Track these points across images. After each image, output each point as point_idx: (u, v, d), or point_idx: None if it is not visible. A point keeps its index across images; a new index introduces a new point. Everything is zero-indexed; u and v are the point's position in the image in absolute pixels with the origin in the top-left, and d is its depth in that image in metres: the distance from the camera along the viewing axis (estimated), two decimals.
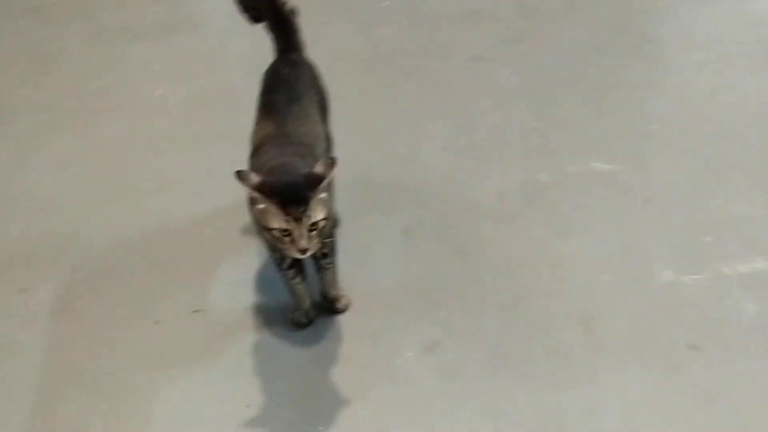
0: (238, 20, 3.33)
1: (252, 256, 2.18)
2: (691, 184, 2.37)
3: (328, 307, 2.03)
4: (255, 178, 1.62)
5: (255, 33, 3.27)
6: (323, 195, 1.65)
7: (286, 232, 1.63)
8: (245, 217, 1.80)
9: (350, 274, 2.08)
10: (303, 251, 1.64)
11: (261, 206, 1.64)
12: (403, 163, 2.52)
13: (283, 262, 1.89)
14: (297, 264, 1.91)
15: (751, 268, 2.08)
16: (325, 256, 1.93)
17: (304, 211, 1.61)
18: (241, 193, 1.68)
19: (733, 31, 3.10)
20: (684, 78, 2.89)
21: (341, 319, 2.02)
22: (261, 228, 1.69)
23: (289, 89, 1.97)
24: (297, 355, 1.94)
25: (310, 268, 1.97)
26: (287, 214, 1.61)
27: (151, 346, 1.97)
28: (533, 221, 2.28)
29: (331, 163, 1.66)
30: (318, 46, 3.16)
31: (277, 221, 1.62)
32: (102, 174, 2.54)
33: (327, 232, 1.73)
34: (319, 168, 1.65)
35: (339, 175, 1.74)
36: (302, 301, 1.99)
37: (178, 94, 2.92)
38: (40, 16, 3.47)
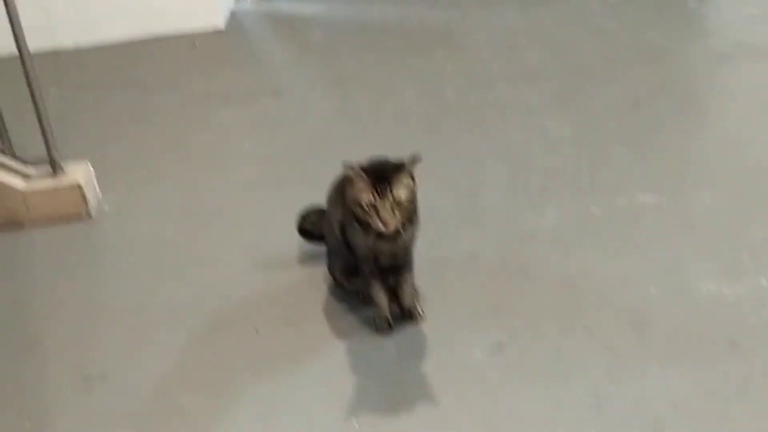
0: (315, 88, 3.75)
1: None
2: (729, 212, 2.63)
3: (407, 316, 2.31)
4: (355, 164, 2.03)
5: (329, 96, 3.67)
6: (406, 180, 2.03)
7: (374, 206, 2.00)
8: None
9: (425, 291, 2.37)
10: (386, 224, 2.00)
11: (357, 185, 2.02)
12: (465, 201, 2.82)
13: (371, 274, 2.23)
14: (381, 276, 2.24)
15: None
16: (403, 270, 2.24)
17: (389, 188, 1.99)
18: None
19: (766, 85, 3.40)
20: (723, 126, 3.19)
21: (418, 326, 2.29)
22: (355, 205, 2.04)
23: None
24: (381, 355, 2.21)
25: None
26: (375, 190, 1.99)
27: (254, 350, 2.26)
28: (587, 246, 2.55)
29: (415, 157, 2.04)
30: (386, 105, 3.54)
31: (367, 196, 2.00)
32: (201, 214, 2.88)
33: (411, 213, 2.09)
34: (405, 159, 2.05)
35: None
36: (384, 311, 2.27)
37: (264, 147, 3.28)
38: (139, 87, 3.90)
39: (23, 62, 2.64)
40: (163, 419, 2.07)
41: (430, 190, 2.80)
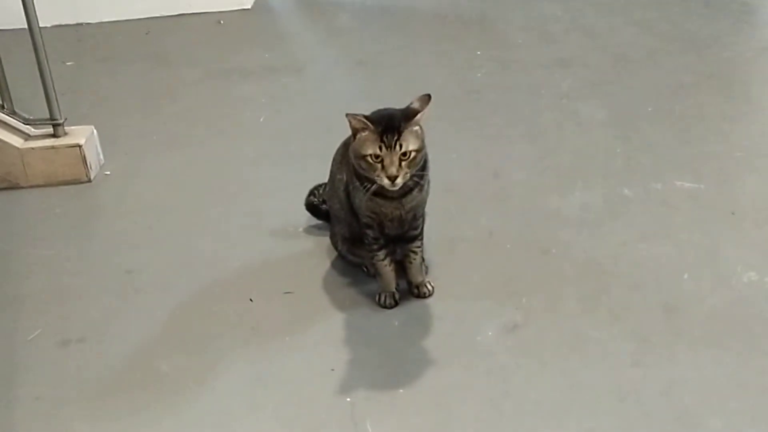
0: (338, 69, 3.59)
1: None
2: None
3: (414, 292, 2.11)
4: (360, 114, 1.85)
5: (351, 75, 3.50)
6: (416, 128, 1.84)
7: (379, 159, 1.80)
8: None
9: (436, 267, 2.19)
10: (392, 178, 1.80)
11: (362, 135, 1.83)
12: (488, 179, 2.63)
13: (376, 242, 2.03)
14: (387, 246, 2.05)
15: None
16: (413, 239, 2.05)
17: (397, 139, 1.80)
18: None
19: None
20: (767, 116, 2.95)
21: (426, 302, 2.10)
22: (358, 158, 1.85)
23: None
24: (382, 330, 2.02)
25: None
26: (382, 141, 1.79)
27: (245, 320, 2.08)
28: (616, 228, 2.34)
29: (427, 99, 1.84)
30: (413, 85, 3.36)
31: (373, 147, 1.81)
32: (206, 183, 2.71)
33: (418, 166, 1.87)
34: (415, 104, 1.86)
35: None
36: (389, 284, 2.08)
37: (280, 121, 3.11)
38: (157, 61, 3.75)
39: (25, 8, 2.50)
40: (139, 385, 1.90)
41: (450, 168, 2.65)
